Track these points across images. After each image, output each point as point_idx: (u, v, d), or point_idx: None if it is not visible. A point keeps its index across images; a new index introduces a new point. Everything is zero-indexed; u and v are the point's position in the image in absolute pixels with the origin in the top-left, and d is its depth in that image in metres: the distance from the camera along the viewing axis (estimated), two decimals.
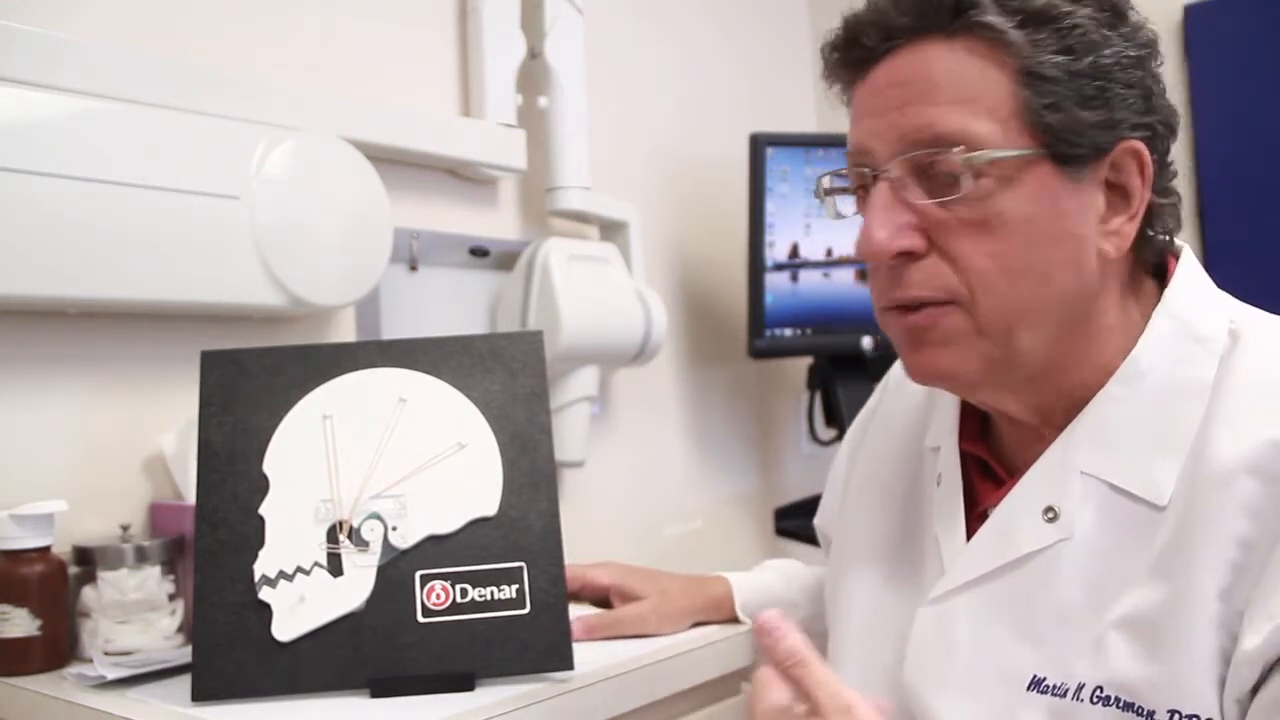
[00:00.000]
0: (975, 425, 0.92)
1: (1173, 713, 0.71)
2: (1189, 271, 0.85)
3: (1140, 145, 0.79)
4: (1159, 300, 0.83)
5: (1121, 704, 0.73)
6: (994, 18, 0.77)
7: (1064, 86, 0.77)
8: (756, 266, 1.94)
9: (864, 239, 0.81)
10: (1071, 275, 0.80)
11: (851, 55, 0.84)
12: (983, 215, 0.78)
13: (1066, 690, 0.76)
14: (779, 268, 1.95)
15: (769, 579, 1.20)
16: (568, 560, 1.02)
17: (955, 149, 0.77)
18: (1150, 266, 0.85)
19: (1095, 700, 0.74)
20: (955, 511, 0.88)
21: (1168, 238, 0.85)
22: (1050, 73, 0.77)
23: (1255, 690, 0.70)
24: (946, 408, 0.94)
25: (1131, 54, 0.78)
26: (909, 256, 0.81)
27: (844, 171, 0.87)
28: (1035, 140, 0.78)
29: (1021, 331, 0.80)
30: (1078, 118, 0.77)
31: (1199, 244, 1.92)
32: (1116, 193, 0.80)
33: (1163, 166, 0.82)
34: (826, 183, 0.90)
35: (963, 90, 0.78)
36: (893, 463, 0.99)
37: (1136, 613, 0.74)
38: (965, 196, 0.78)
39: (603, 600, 1.19)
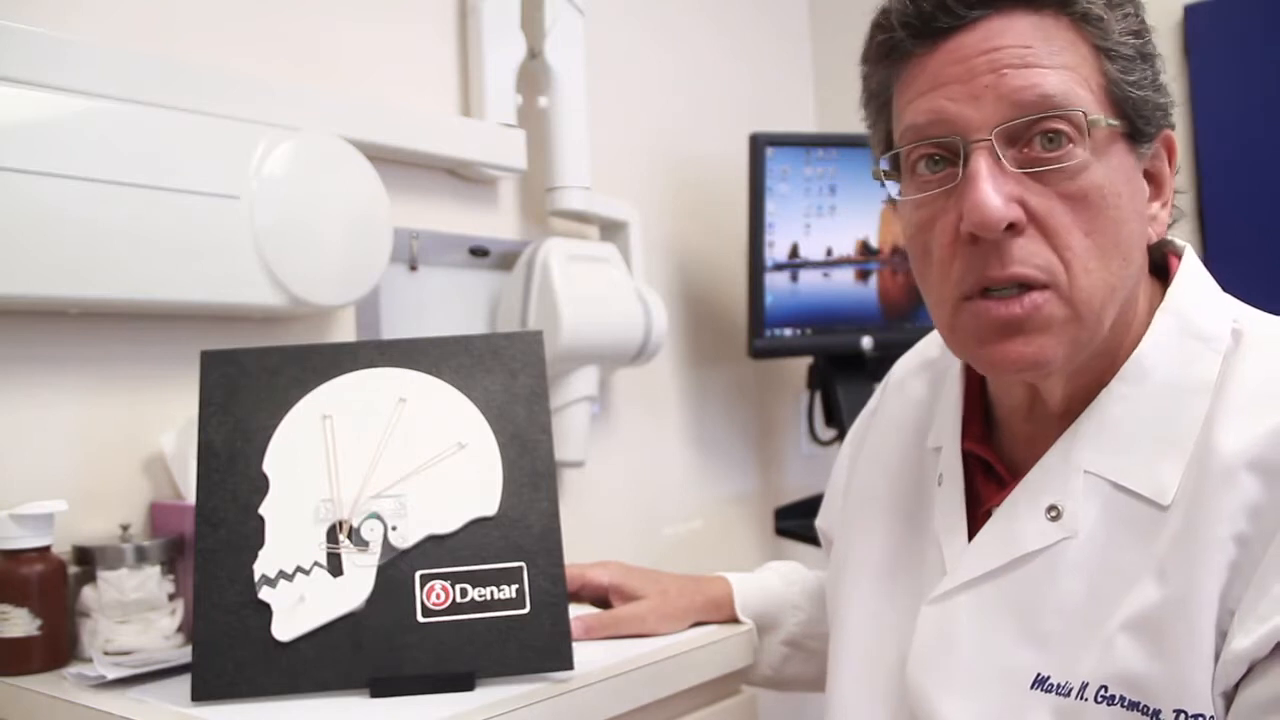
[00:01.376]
0: (978, 426, 0.92)
1: (1178, 712, 0.71)
2: (1192, 270, 0.85)
3: (1172, 134, 0.82)
4: (1162, 298, 0.83)
5: (1127, 703, 0.73)
6: None
7: (1138, 65, 0.79)
8: (756, 266, 1.94)
9: (976, 209, 0.76)
10: (1139, 256, 0.81)
11: (930, 26, 0.80)
12: (1080, 188, 0.77)
13: (1071, 689, 0.76)
14: (779, 267, 1.95)
15: (769, 580, 1.21)
16: (567, 560, 1.02)
17: (1080, 109, 0.76)
18: (1154, 264, 0.86)
19: (1100, 699, 0.74)
20: (957, 511, 0.88)
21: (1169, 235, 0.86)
22: (1127, 51, 0.78)
23: (1238, 689, 0.70)
24: (949, 408, 0.94)
25: (1154, 43, 0.81)
26: (1012, 231, 0.77)
27: (920, 147, 0.81)
28: (1119, 113, 0.79)
29: (1109, 312, 0.79)
30: (1149, 97, 0.79)
31: (1199, 244, 1.91)
32: (1150, 179, 0.82)
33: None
34: (886, 165, 0.86)
35: (1060, 58, 0.77)
36: (894, 463, 0.99)
37: (1141, 612, 0.74)
38: (1069, 166, 0.76)
39: (602, 600, 1.19)
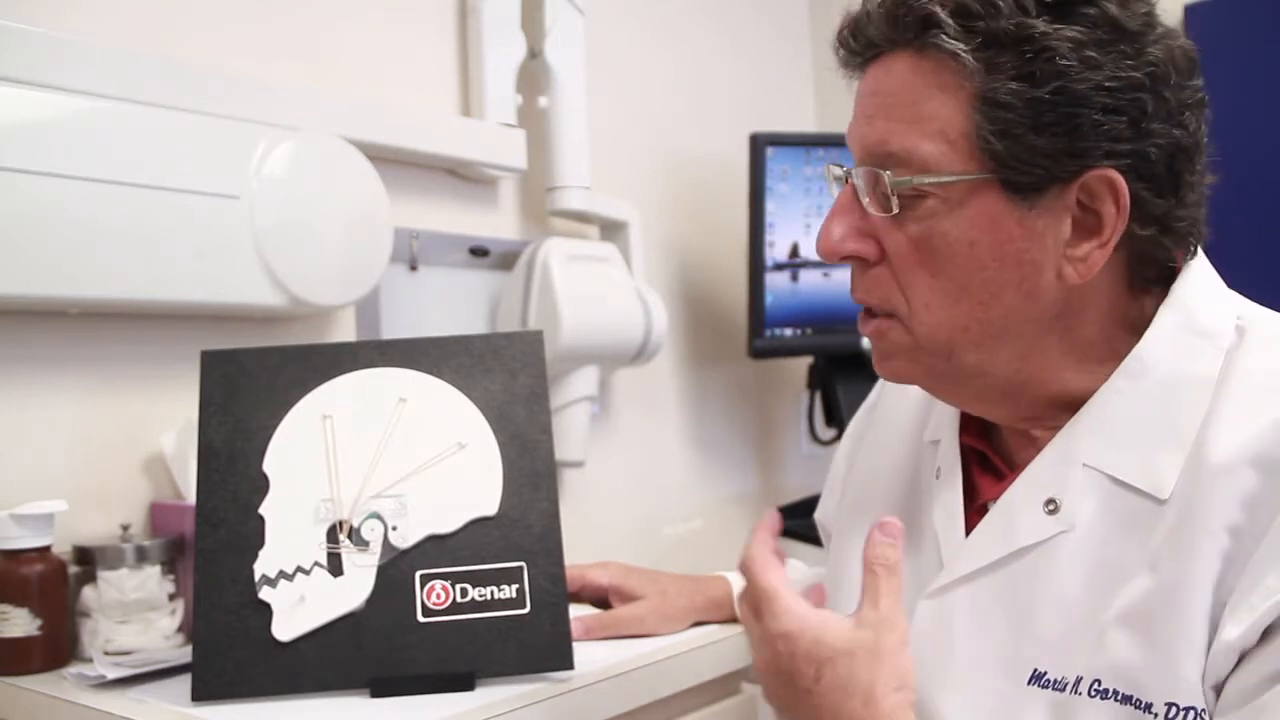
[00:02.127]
0: (976, 420, 0.92)
1: (1170, 705, 0.71)
2: (1197, 267, 0.84)
3: (1114, 175, 0.76)
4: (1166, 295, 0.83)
5: (1120, 696, 0.73)
6: (952, 41, 0.76)
7: (1018, 113, 0.75)
8: (756, 266, 1.94)
9: (820, 234, 0.84)
10: (1020, 298, 0.79)
11: (842, 58, 0.86)
12: (926, 234, 0.79)
13: (1066, 684, 0.76)
14: (779, 267, 1.95)
15: None
16: (567, 560, 1.02)
17: (887, 172, 0.79)
18: (1153, 281, 0.84)
19: (1094, 693, 0.74)
20: (954, 504, 0.88)
21: (1183, 250, 0.83)
22: (1004, 99, 0.75)
23: (1228, 679, 0.71)
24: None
25: (1123, 77, 0.75)
26: (863, 262, 0.83)
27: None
28: (984, 165, 0.77)
29: (964, 350, 0.81)
30: (1030, 145, 0.76)
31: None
32: (1091, 217, 0.78)
33: (1170, 190, 0.79)
34: (831, 172, 0.90)
35: (919, 109, 0.78)
36: (893, 457, 0.99)
37: (1134, 605, 0.74)
38: (907, 215, 0.79)
39: (602, 601, 1.19)
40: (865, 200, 0.82)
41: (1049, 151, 0.76)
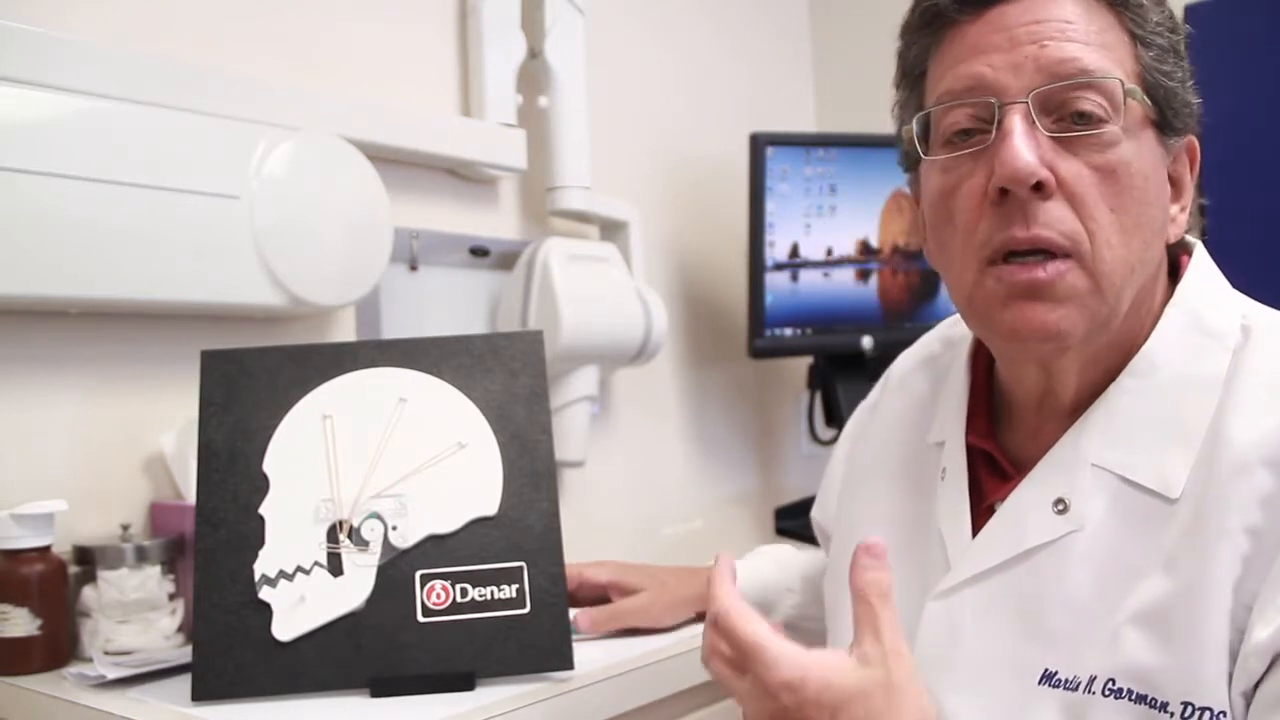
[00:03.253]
0: (983, 420, 0.91)
1: (1186, 704, 0.71)
2: (1202, 267, 0.85)
3: (1195, 142, 0.82)
4: (1173, 293, 0.83)
5: (1135, 696, 0.73)
6: None
7: (1171, 62, 0.79)
8: (756, 266, 1.94)
9: (1007, 162, 0.76)
10: (1159, 246, 0.81)
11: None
12: (1109, 162, 0.77)
13: (1079, 684, 0.76)
14: (779, 267, 1.95)
15: (763, 566, 1.20)
16: (567, 560, 1.02)
17: (1111, 79, 0.77)
18: (1167, 264, 0.86)
19: (1108, 693, 0.74)
20: (961, 505, 0.88)
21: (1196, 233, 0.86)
22: (1160, 42, 0.79)
23: (1261, 682, 0.70)
24: (952, 402, 0.94)
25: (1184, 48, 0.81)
26: (1039, 193, 0.77)
27: (954, 110, 0.81)
28: (1150, 102, 0.79)
29: (1126, 292, 0.79)
30: (1180, 92, 0.80)
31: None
32: (1172, 182, 0.82)
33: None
34: (917, 128, 0.85)
35: (1100, 37, 0.79)
36: (895, 458, 0.98)
37: (1149, 605, 0.74)
38: (1101, 138, 0.77)
39: (601, 599, 1.19)
40: (1051, 126, 0.78)
41: (1187, 102, 0.80)
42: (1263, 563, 0.71)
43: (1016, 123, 0.77)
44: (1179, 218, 0.82)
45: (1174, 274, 0.86)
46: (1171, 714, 0.71)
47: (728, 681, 0.75)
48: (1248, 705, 0.70)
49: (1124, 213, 0.77)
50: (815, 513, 1.14)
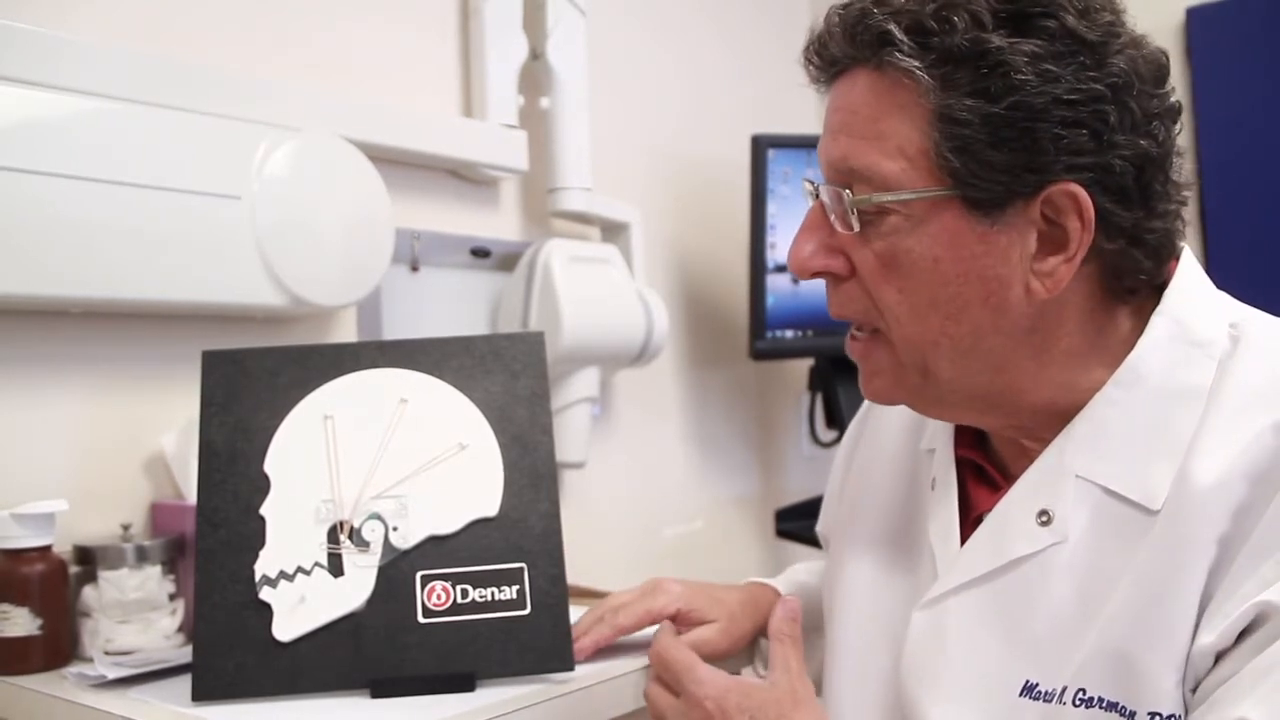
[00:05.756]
0: (970, 431, 0.91)
1: (1154, 714, 0.72)
2: (1188, 274, 0.83)
3: (1076, 189, 0.75)
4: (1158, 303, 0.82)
5: (1105, 704, 0.74)
6: (906, 59, 0.76)
7: (974, 129, 0.75)
8: (758, 268, 1.94)
9: (790, 251, 0.85)
10: (988, 312, 0.79)
11: (810, 75, 0.87)
12: (891, 251, 0.80)
13: (1054, 695, 0.76)
14: (780, 269, 1.95)
15: (809, 585, 1.17)
16: (569, 561, 1.02)
17: (847, 190, 0.80)
18: (1130, 292, 0.82)
19: (1079, 702, 0.74)
20: (950, 515, 0.88)
21: (1156, 261, 0.82)
22: (961, 115, 0.75)
23: (1205, 678, 0.71)
24: None
25: (1083, 89, 0.74)
26: (835, 278, 0.84)
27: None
28: (943, 181, 0.77)
29: (936, 363, 0.81)
30: (988, 160, 0.75)
31: (1201, 247, 1.91)
32: (1058, 231, 0.77)
33: (1141, 201, 0.78)
34: (805, 187, 0.91)
35: (878, 126, 0.79)
36: (888, 466, 0.98)
37: (1121, 614, 0.74)
38: (872, 231, 0.80)
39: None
40: (831, 217, 0.82)
41: (1007, 167, 0.75)
42: (1222, 571, 0.71)
43: (810, 214, 0.85)
44: (1058, 270, 0.77)
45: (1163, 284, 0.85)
46: None
47: (660, 701, 0.93)
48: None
49: (913, 294, 0.80)
50: (819, 525, 1.14)
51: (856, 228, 0.80)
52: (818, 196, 0.84)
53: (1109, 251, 0.78)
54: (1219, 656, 0.71)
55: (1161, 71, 0.79)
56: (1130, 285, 0.82)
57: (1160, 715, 0.71)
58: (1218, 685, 0.70)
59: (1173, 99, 0.80)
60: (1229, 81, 1.95)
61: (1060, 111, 0.74)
